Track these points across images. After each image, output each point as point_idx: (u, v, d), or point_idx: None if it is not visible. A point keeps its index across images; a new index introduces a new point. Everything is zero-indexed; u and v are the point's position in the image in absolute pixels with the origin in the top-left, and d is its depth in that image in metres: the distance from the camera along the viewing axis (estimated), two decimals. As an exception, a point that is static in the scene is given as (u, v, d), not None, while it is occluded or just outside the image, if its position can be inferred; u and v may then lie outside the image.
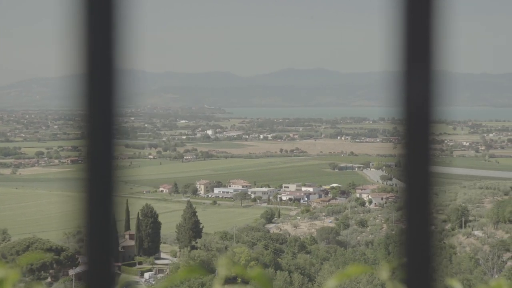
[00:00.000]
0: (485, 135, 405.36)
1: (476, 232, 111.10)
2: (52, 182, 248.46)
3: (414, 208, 1.39)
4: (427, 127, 1.37)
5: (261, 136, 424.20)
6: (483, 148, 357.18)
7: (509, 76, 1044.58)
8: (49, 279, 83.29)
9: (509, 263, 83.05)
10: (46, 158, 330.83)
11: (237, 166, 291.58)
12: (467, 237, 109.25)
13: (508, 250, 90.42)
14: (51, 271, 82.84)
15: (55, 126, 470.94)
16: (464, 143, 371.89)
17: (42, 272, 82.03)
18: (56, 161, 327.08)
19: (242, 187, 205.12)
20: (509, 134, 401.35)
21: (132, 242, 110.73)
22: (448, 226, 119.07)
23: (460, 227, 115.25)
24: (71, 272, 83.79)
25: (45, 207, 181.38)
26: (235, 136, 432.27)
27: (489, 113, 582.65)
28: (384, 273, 1.69)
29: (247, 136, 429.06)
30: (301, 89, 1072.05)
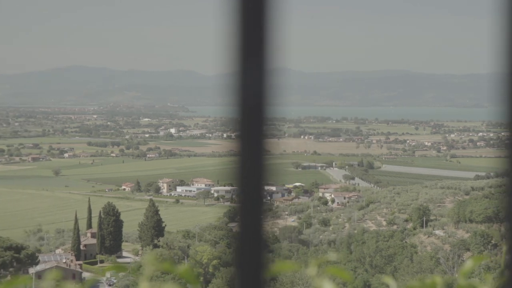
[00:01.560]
0: (447, 135, 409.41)
1: (437, 232, 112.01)
2: (13, 179, 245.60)
3: (247, 208, 1.37)
4: (261, 125, 1.38)
5: (225, 135, 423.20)
6: (444, 148, 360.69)
7: (472, 77, 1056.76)
8: (8, 277, 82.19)
9: (468, 262, 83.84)
10: (6, 156, 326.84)
11: (200, 164, 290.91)
12: (428, 236, 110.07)
13: (468, 250, 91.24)
14: (11, 269, 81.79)
15: (16, 124, 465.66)
16: (426, 143, 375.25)
17: (1, 270, 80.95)
18: (17, 158, 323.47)
19: (205, 185, 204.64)
20: (471, 134, 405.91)
21: (94, 240, 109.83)
22: (409, 225, 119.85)
23: (422, 226, 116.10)
24: (31, 270, 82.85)
25: (6, 205, 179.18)
26: (198, 134, 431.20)
27: (452, 114, 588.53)
28: (312, 270, 1.68)
29: (210, 135, 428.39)
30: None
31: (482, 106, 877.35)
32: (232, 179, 1.42)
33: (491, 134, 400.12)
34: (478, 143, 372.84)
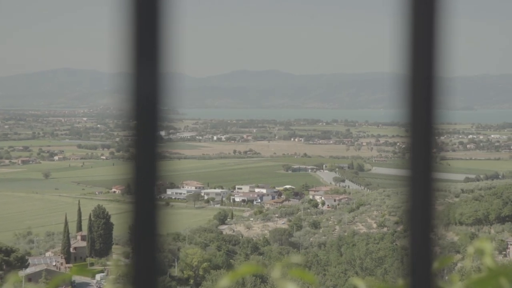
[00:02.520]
0: (437, 137, 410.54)
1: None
2: (2, 182, 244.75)
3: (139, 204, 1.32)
4: (155, 125, 1.36)
5: (215, 137, 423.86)
6: (434, 150, 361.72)
7: (461, 79, 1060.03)
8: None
9: (459, 264, 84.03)
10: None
11: (190, 167, 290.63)
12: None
13: (458, 252, 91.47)
14: (0, 272, 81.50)
15: (6, 126, 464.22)
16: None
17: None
18: (7, 161, 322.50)
19: (195, 188, 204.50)
20: (460, 136, 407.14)
21: (84, 243, 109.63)
22: (400, 227, 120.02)
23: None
24: (21, 273, 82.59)
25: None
26: (188, 137, 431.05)
27: (441, 116, 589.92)
28: (276, 272, 1.71)
29: (200, 137, 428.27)
30: (255, 90, 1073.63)
31: (472, 108, 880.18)
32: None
33: (481, 137, 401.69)
34: (468, 146, 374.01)
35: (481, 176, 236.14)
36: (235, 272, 1.73)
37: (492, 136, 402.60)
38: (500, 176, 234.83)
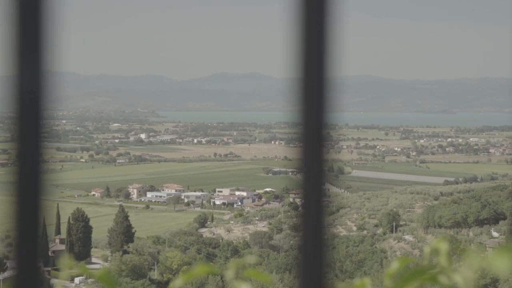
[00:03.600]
0: (416, 141, 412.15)
1: (406, 237, 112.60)
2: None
3: None
4: (38, 125, 1.37)
5: (195, 140, 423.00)
6: (414, 153, 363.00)
7: (440, 83, 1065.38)
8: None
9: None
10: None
11: (170, 170, 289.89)
12: (398, 241, 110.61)
13: (438, 255, 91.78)
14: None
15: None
16: (396, 149, 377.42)
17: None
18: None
19: (176, 191, 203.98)
20: (440, 140, 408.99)
21: (63, 247, 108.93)
22: (379, 230, 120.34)
23: (391, 231, 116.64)
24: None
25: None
26: (168, 140, 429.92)
27: (421, 119, 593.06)
28: (230, 273, 1.69)
29: (181, 140, 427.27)
30: (235, 93, 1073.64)
31: (451, 112, 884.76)
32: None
33: (460, 140, 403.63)
34: (447, 149, 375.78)
35: (460, 179, 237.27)
36: (189, 273, 1.73)
37: (471, 139, 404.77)
38: (478, 179, 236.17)
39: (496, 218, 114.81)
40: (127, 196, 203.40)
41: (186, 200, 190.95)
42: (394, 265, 1.25)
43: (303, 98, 1.45)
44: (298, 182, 1.49)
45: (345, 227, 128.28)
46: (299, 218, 1.50)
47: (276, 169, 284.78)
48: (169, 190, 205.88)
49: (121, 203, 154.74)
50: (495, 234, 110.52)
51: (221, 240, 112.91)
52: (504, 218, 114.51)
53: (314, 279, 1.40)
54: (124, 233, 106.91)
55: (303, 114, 1.48)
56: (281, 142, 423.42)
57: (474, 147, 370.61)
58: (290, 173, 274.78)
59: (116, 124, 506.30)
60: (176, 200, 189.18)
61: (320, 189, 1.47)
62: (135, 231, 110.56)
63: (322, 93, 1.45)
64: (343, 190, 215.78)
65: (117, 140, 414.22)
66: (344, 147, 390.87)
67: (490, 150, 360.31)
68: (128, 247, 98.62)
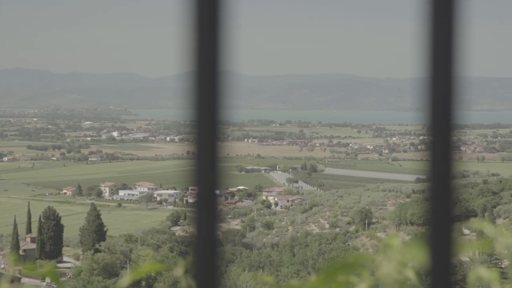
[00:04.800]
0: (389, 138, 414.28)
1: (379, 234, 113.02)
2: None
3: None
4: None
5: (168, 138, 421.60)
6: (386, 151, 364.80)
7: (411, 81, 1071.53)
8: None
9: (409, 264, 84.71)
10: None
11: (143, 168, 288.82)
12: (370, 239, 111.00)
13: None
14: None
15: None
16: (368, 147, 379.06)
17: None
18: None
19: (148, 189, 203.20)
20: (412, 138, 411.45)
21: (34, 245, 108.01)
22: (352, 228, 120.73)
23: (364, 229, 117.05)
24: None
25: None
26: (141, 138, 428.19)
27: (393, 117, 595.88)
28: (178, 270, 1.69)
29: (153, 138, 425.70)
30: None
31: (423, 109, 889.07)
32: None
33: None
34: (419, 147, 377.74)
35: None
36: (136, 271, 1.72)
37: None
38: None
39: (467, 216, 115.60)
40: (99, 194, 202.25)
41: (158, 198, 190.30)
42: (349, 261, 1.62)
43: (195, 95, 1.52)
44: (190, 176, 1.52)
45: (317, 224, 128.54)
46: (192, 213, 1.48)
47: (249, 167, 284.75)
48: (142, 188, 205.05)
49: (93, 201, 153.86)
50: (466, 231, 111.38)
51: (194, 238, 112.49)
52: (475, 216, 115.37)
53: (208, 276, 1.42)
54: (96, 232, 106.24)
55: (195, 111, 1.51)
56: (254, 140, 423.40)
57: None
58: (263, 171, 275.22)
59: (88, 122, 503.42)
60: (149, 198, 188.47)
61: (213, 182, 1.46)
62: (107, 229, 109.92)
63: (217, 90, 1.56)
64: (316, 188, 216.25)
65: (89, 138, 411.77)
66: (317, 145, 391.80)
67: (461, 148, 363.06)
68: (100, 245, 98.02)
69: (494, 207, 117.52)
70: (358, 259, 1.59)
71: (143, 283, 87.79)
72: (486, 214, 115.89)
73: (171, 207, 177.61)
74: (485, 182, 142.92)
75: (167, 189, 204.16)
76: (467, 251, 1.43)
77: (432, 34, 1.33)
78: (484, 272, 1.61)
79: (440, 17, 1.30)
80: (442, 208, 1.17)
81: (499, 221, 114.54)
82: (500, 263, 67.61)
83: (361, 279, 1.68)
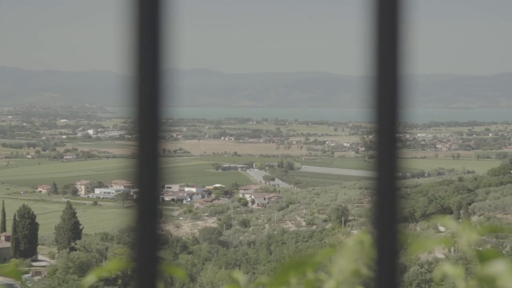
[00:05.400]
0: (365, 136, 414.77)
1: (355, 232, 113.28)
2: None
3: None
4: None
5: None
6: (363, 149, 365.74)
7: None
8: None
9: (317, 256, 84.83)
10: None
11: (119, 166, 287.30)
12: (347, 236, 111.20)
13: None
14: None
15: None
16: (345, 144, 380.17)
17: None
18: None
19: (124, 187, 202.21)
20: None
21: (8, 244, 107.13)
22: (329, 225, 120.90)
23: (340, 226, 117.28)
24: None
25: None
26: (117, 135, 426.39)
27: (366, 115, 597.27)
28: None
29: (130, 136, 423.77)
30: (185, 89, 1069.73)
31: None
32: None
33: (407, 135, 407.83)
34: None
35: (408, 174, 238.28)
36: (101, 269, 1.72)
37: (418, 135, 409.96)
38: (426, 174, 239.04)
39: (442, 213, 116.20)
40: (75, 192, 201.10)
41: (135, 197, 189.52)
42: (318, 257, 1.77)
43: (135, 95, 1.48)
44: (130, 172, 1.49)
45: (294, 222, 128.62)
46: (133, 212, 1.46)
47: (226, 164, 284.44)
48: (118, 186, 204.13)
49: (68, 199, 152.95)
50: (441, 228, 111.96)
51: (170, 236, 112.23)
52: (451, 213, 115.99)
53: (148, 275, 1.37)
54: (72, 230, 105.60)
55: (136, 109, 1.50)
56: (230, 138, 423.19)
57: (422, 143, 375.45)
58: (239, 169, 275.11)
59: (64, 120, 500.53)
60: (125, 196, 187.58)
61: (154, 181, 1.43)
62: (83, 227, 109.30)
63: (163, 88, 1.53)
64: (292, 186, 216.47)
65: (64, 136, 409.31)
66: (294, 142, 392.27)
67: (437, 146, 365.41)
68: (76, 244, 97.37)
69: (469, 204, 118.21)
70: (310, 257, 1.60)
71: (119, 281, 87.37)
72: (461, 211, 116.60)
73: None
74: (460, 179, 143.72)
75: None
76: (425, 249, 1.72)
77: (377, 32, 1.31)
78: (449, 269, 1.64)
79: (385, 16, 1.29)
80: (387, 207, 1.43)
81: (474, 218, 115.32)
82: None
83: (319, 276, 1.70)
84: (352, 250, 1.62)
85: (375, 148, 1.53)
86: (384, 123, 1.48)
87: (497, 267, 1.49)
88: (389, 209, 1.43)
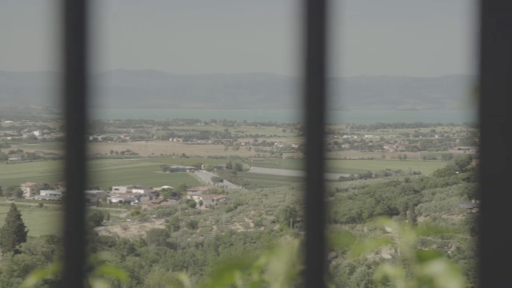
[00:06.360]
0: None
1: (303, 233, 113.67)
2: None
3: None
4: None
5: (91, 137, 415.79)
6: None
7: (336, 80, 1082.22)
8: None
9: (333, 262, 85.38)
10: None
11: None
12: (295, 237, 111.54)
13: (332, 250, 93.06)
14: None
15: None
16: (294, 145, 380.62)
17: None
18: None
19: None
20: (335, 136, 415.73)
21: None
22: (277, 226, 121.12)
23: (289, 227, 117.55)
24: None
25: None
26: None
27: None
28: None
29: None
30: (133, 90, 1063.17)
31: (347, 109, 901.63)
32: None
33: (355, 137, 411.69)
34: (343, 145, 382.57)
35: (355, 175, 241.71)
36: (42, 271, 1.73)
37: (366, 136, 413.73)
38: (373, 176, 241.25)
39: (389, 214, 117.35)
40: (20, 194, 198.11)
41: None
42: (236, 261, 1.77)
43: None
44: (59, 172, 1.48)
45: (242, 223, 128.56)
46: (62, 213, 1.44)
47: (174, 166, 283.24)
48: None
49: (13, 201, 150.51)
50: (388, 229, 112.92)
51: (117, 239, 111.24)
52: (397, 213, 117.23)
53: (74, 277, 1.36)
54: (16, 233, 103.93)
55: (63, 110, 1.47)
56: (179, 139, 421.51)
57: (369, 144, 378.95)
58: (188, 170, 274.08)
59: (8, 121, 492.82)
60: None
61: (82, 182, 1.42)
62: (28, 230, 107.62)
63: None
64: (241, 187, 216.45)
65: (9, 138, 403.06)
66: (242, 144, 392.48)
67: (384, 147, 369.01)
68: (20, 246, 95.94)
69: (416, 205, 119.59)
70: (245, 259, 1.63)
71: (22, 284, 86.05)
72: (408, 212, 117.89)
73: (94, 207, 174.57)
74: (407, 180, 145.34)
75: (90, 189, 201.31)
76: (366, 250, 1.70)
77: (305, 34, 1.32)
78: (389, 270, 1.66)
79: (312, 18, 1.30)
80: (316, 208, 1.43)
81: (420, 219, 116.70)
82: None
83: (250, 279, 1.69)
84: (285, 252, 1.63)
85: (304, 149, 1.52)
86: (312, 124, 1.47)
87: (435, 268, 1.52)
88: (317, 210, 1.42)
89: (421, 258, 1.55)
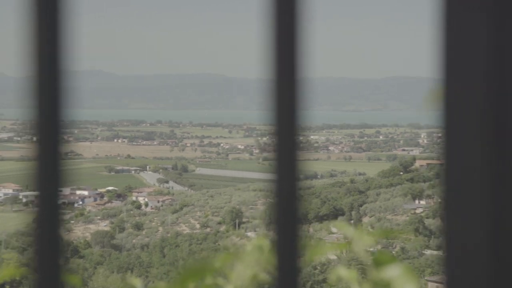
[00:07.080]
0: (259, 138, 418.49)
1: (249, 233, 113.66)
2: None
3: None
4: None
5: (34, 138, 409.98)
6: (257, 151, 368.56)
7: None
8: None
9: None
10: None
11: (7, 169, 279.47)
12: (241, 238, 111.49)
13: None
14: None
15: None
16: (240, 146, 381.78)
17: None
18: None
19: (13, 191, 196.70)
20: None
21: None
22: (223, 228, 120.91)
23: (235, 228, 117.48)
24: None
25: None
26: (6, 138, 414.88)
27: (264, 117, 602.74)
28: None
29: (19, 138, 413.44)
30: (77, 90, 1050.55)
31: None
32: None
33: (301, 137, 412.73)
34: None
35: (301, 176, 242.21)
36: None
37: (312, 137, 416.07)
38: (318, 176, 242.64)
39: (335, 214, 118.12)
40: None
41: (24, 200, 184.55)
42: (217, 263, 1.74)
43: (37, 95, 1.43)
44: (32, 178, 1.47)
45: (188, 225, 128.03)
46: (35, 215, 1.41)
47: (119, 167, 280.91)
48: (6, 190, 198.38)
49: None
50: (334, 229, 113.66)
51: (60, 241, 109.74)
52: (343, 214, 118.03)
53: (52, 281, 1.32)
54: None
55: (36, 111, 1.46)
56: (124, 140, 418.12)
57: (315, 145, 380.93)
58: (133, 171, 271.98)
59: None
60: (14, 200, 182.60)
61: (54, 183, 1.39)
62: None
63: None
64: (186, 188, 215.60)
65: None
66: (188, 145, 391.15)
67: (330, 148, 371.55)
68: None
69: (361, 205, 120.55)
70: (209, 262, 1.60)
71: (7, 287, 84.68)
72: (353, 212, 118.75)
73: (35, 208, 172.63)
74: (352, 181, 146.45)
75: (34, 191, 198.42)
76: (322, 254, 1.70)
77: (275, 35, 1.33)
78: (343, 272, 1.66)
79: (282, 18, 1.30)
80: (287, 209, 1.41)
81: (365, 219, 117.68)
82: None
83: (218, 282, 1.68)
84: (251, 255, 1.61)
85: (275, 151, 1.51)
86: (283, 125, 1.46)
87: (391, 272, 1.52)
88: (289, 212, 1.40)
89: (377, 261, 1.55)
